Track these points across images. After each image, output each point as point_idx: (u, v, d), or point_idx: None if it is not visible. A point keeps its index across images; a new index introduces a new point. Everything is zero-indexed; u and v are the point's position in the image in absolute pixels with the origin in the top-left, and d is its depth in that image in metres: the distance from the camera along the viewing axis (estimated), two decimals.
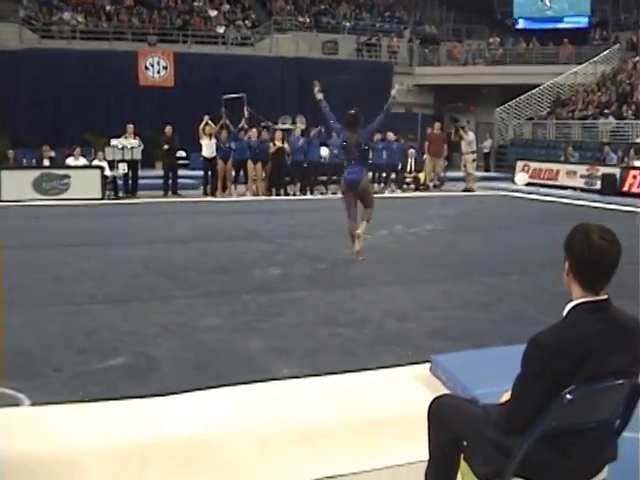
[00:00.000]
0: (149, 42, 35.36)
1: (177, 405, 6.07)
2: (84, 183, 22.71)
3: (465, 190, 28.08)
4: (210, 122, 24.77)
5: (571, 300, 3.47)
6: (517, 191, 27.93)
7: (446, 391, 5.89)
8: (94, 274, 11.45)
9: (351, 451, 5.40)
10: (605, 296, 3.44)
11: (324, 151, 25.72)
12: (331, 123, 13.93)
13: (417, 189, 27.62)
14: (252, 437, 5.51)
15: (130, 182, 24.16)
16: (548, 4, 43.63)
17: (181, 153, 26.46)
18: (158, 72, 33.56)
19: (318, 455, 5.33)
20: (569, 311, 3.45)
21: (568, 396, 3.25)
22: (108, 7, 37.24)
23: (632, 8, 42.07)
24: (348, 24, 41.78)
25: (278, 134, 25.32)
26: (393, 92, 14.24)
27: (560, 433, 3.39)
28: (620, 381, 3.42)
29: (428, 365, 6.82)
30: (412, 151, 28.43)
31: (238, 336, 8.08)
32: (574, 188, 28.28)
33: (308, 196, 25.64)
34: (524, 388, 3.42)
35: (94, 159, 24.27)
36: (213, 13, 39.08)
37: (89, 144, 27.77)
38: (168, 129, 24.88)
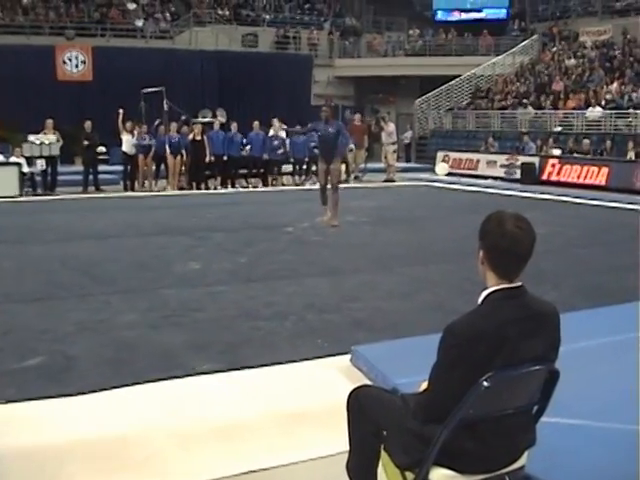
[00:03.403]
0: (67, 36, 34.88)
1: (95, 404, 6.01)
2: (1, 180, 22.14)
3: (386, 181, 28.26)
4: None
5: (486, 288, 3.47)
6: (438, 181, 28.18)
7: (367, 382, 5.90)
8: (10, 272, 11.25)
9: (273, 445, 5.36)
10: (519, 283, 3.44)
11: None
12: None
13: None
14: (172, 434, 5.47)
15: (49, 178, 23.75)
16: None
17: (101, 148, 26.08)
18: (76, 66, 33.17)
19: (240, 450, 5.28)
20: (484, 299, 3.45)
21: (485, 383, 3.25)
22: (25, 1, 36.48)
23: None
24: (268, 17, 41.72)
25: (198, 128, 25.18)
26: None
27: (478, 420, 3.39)
28: (537, 367, 3.43)
29: (349, 356, 6.83)
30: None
31: (157, 332, 8.00)
32: (494, 177, 28.63)
33: (229, 189, 25.54)
34: (441, 377, 3.41)
35: (11, 156, 23.78)
36: (132, 6, 38.63)
37: (6, 140, 27.17)
38: (87, 124, 24.62)
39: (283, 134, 26.76)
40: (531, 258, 3.41)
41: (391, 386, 5.28)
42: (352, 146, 16.31)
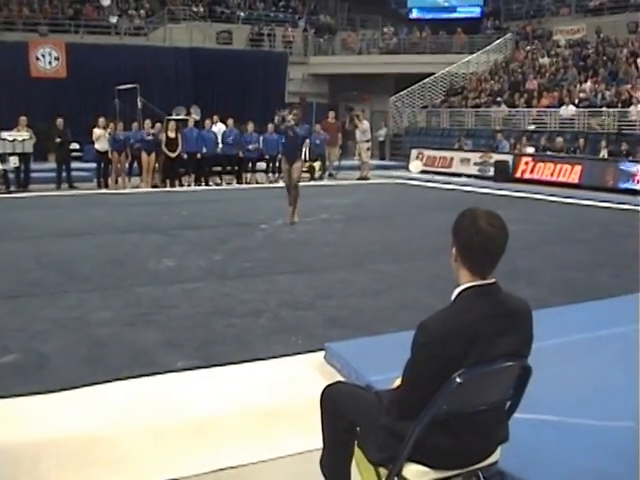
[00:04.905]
0: (40, 32, 34.66)
1: (69, 401, 5.97)
2: None
3: (360, 178, 28.26)
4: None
5: (459, 285, 3.48)
6: (412, 179, 28.21)
7: (341, 378, 5.91)
8: None
9: (247, 442, 5.37)
10: (492, 280, 3.45)
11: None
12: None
13: (312, 178, 27.52)
14: (147, 431, 5.45)
15: (22, 175, 23.54)
16: None
17: (74, 145, 25.97)
18: (50, 63, 32.94)
19: (214, 447, 5.28)
20: (457, 296, 3.46)
21: (458, 380, 3.26)
22: None
23: None
24: (242, 14, 41.60)
25: (172, 125, 25.07)
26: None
27: (451, 416, 3.40)
28: (509, 363, 3.45)
29: (323, 353, 6.83)
30: (307, 141, 28.38)
31: (131, 329, 7.96)
32: (468, 175, 28.73)
33: (203, 187, 25.49)
34: (414, 373, 3.41)
35: None
36: (105, 2, 38.35)
37: None
38: (59, 121, 24.46)
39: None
40: (505, 255, 3.42)
41: (365, 383, 5.28)
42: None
